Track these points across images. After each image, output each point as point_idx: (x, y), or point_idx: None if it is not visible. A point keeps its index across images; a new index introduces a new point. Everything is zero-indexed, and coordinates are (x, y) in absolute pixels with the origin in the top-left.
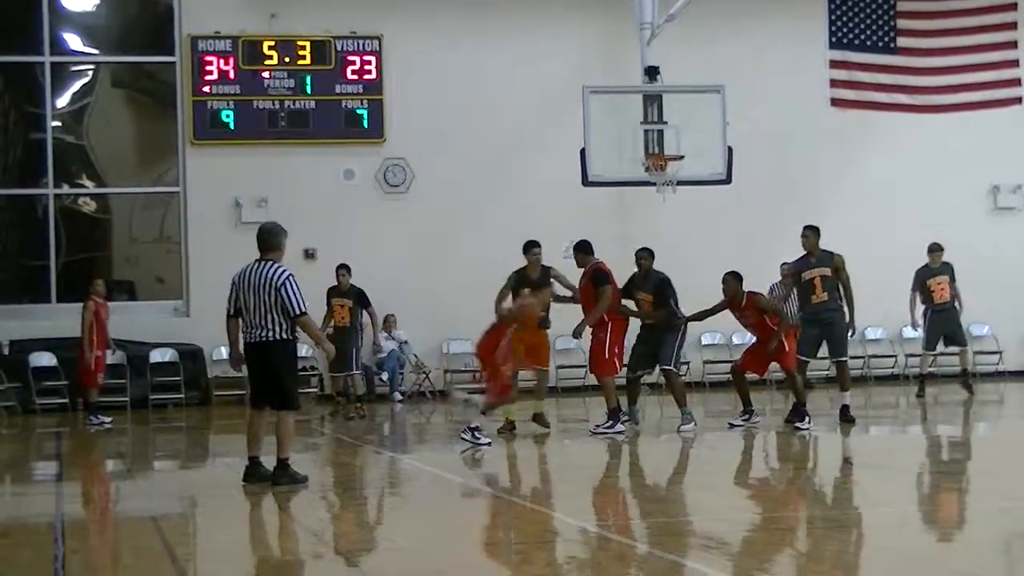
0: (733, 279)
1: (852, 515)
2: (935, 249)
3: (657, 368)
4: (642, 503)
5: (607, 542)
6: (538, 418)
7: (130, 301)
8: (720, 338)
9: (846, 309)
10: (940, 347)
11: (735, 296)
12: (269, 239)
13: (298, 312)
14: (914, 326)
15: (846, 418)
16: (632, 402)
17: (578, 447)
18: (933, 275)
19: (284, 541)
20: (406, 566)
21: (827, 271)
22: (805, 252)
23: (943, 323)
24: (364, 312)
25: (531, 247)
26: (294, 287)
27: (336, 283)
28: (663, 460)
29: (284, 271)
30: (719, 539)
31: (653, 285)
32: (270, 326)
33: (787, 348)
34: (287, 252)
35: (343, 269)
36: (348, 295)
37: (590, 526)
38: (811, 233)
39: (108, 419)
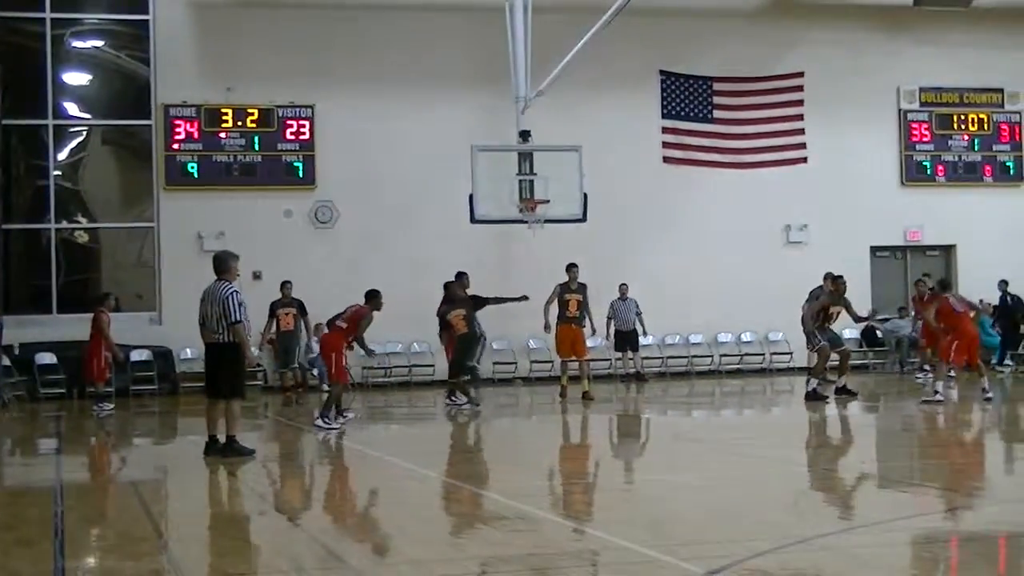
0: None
1: None
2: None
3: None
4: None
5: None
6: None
7: (115, 312)
8: (543, 342)
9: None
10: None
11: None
12: (218, 264)
13: (232, 320)
14: None
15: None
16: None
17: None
18: None
19: (235, 501)
20: (339, 520)
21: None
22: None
23: None
24: (302, 319)
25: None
26: (234, 301)
27: (280, 295)
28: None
29: (230, 288)
30: None
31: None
32: (221, 331)
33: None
34: (242, 273)
35: (288, 284)
36: (292, 304)
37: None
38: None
39: (110, 406)
